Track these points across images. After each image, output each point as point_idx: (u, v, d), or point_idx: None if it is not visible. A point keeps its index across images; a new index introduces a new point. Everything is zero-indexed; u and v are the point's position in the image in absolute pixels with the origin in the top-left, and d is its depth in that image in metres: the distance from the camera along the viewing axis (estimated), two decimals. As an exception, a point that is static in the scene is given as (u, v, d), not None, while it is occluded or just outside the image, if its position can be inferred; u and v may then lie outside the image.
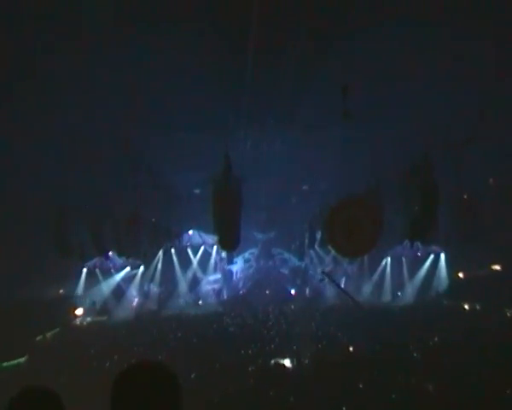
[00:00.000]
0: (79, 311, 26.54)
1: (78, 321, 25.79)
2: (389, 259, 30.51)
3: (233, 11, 8.97)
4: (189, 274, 31.25)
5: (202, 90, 12.14)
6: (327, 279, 28.72)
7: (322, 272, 29.49)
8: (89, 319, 26.32)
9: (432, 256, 29.59)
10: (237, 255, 31.75)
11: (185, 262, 30.96)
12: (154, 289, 30.32)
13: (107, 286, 28.50)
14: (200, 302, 30.30)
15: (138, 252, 20.78)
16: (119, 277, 29.12)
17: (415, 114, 13.47)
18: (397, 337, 15.10)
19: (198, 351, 15.20)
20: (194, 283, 31.27)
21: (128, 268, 29.18)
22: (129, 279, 29.72)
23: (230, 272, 32.49)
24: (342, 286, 31.16)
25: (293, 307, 26.38)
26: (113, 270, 28.79)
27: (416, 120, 13.73)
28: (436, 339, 14.74)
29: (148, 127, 14.47)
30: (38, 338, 20.06)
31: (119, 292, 28.95)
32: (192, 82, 11.69)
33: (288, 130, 16.23)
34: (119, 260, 27.23)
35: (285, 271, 32.89)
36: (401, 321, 18.92)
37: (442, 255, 29.09)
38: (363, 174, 16.12)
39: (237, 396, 10.24)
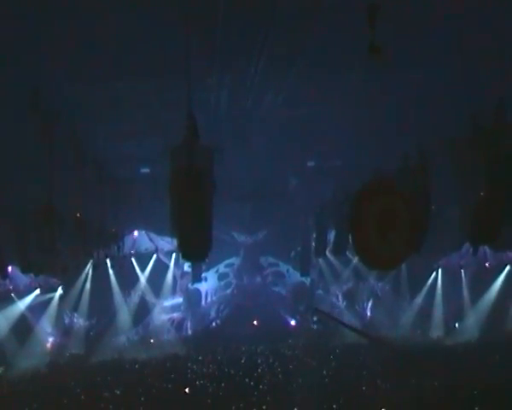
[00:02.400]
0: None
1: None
2: (440, 272, 30.88)
3: None
4: (134, 298, 31.24)
5: (150, 17, 12.15)
6: (321, 319, 29.08)
7: (315, 310, 29.70)
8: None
9: (508, 268, 30.05)
10: (208, 269, 31.85)
11: (128, 280, 30.92)
12: (80, 322, 30.22)
13: (4, 319, 28.29)
14: (151, 341, 30.34)
15: (54, 265, 20.68)
16: (22, 304, 28.88)
17: (479, 51, 13.70)
18: (451, 394, 15.36)
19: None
20: (143, 311, 31.28)
21: (37, 291, 28.96)
22: (39, 308, 29.50)
23: (197, 293, 32.54)
24: (368, 313, 31.59)
25: (293, 345, 26.57)
26: (13, 294, 28.51)
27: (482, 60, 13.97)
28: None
29: (69, 72, 14.47)
30: None
31: (24, 328, 28.72)
32: (135, 5, 11.73)
33: (283, 76, 16.29)
34: (24, 279, 27.03)
35: (281, 291, 33.11)
36: (460, 369, 19.11)
37: (525, 267, 29.75)
38: (399, 144, 16.28)
39: None
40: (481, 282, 30.20)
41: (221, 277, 32.97)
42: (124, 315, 30.64)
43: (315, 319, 31.07)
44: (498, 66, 13.68)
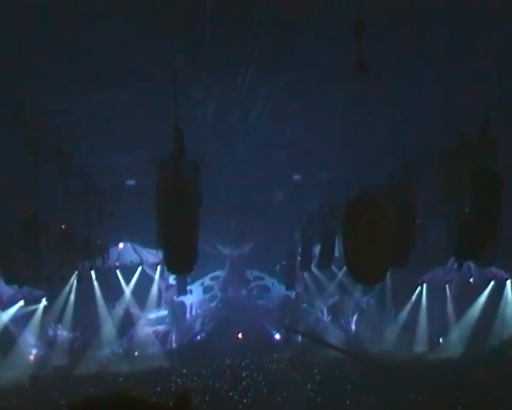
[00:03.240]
0: None
1: None
2: (425, 287, 30.83)
3: None
4: (119, 310, 31.03)
5: (137, 29, 12.16)
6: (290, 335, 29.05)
7: (285, 329, 29.60)
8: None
9: (492, 284, 29.93)
10: (193, 281, 31.72)
11: (112, 292, 30.69)
12: (64, 334, 29.98)
13: (-13, 331, 28.11)
14: (135, 353, 30.17)
15: (38, 276, 20.54)
16: (6, 316, 28.64)
17: (467, 59, 13.80)
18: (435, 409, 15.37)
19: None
20: (127, 324, 31.08)
21: (21, 302, 28.74)
22: (23, 319, 29.26)
23: (182, 306, 32.46)
24: (353, 327, 31.62)
25: (277, 359, 26.52)
26: (-4, 305, 28.37)
27: (470, 70, 14.07)
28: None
29: (54, 83, 14.44)
30: None
31: (7, 340, 28.46)
32: (121, 17, 11.74)
33: (270, 90, 16.34)
34: (7, 290, 26.85)
35: (266, 304, 33.04)
36: (444, 384, 19.13)
37: (508, 283, 29.64)
38: (385, 159, 16.37)
39: None
40: (466, 297, 30.13)
41: (206, 290, 32.87)
42: (108, 327, 30.39)
43: (277, 336, 31.11)
44: (484, 81, 13.81)
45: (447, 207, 14.20)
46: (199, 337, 31.61)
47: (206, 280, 32.64)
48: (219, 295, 32.84)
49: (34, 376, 25.61)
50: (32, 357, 29.18)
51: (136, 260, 30.96)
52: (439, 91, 15.28)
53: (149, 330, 31.31)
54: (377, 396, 16.81)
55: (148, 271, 31.31)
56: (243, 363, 25.02)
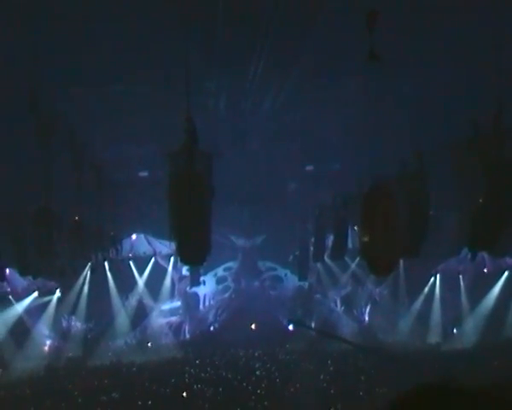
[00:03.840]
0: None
1: None
2: (438, 278, 30.91)
3: None
4: (132, 302, 31.25)
5: (149, 20, 12.15)
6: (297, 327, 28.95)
7: (290, 321, 29.44)
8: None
9: (506, 274, 30.04)
10: (206, 272, 31.85)
11: (126, 283, 30.95)
12: (78, 325, 30.23)
13: (2, 322, 28.28)
14: (149, 344, 30.34)
15: (52, 268, 20.63)
16: (20, 307, 28.92)
17: (481, 49, 13.68)
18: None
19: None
20: (140, 315, 31.28)
21: (35, 294, 29.04)
22: (37, 311, 29.56)
23: (195, 297, 32.58)
24: (366, 318, 31.59)
25: (290, 349, 26.55)
26: (11, 296, 28.57)
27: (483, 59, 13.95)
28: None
29: (67, 75, 14.46)
30: None
31: (22, 331, 28.72)
32: (134, 9, 11.73)
33: (282, 80, 16.29)
34: (22, 282, 27.04)
35: (279, 295, 33.07)
36: (457, 374, 19.08)
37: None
38: (397, 149, 16.28)
39: None
40: (479, 287, 30.17)
41: (219, 280, 32.97)
42: (121, 319, 30.60)
43: (290, 328, 30.99)
44: (498, 70, 13.68)
45: (461, 198, 14.10)
46: (212, 328, 31.77)
47: (219, 271, 32.75)
48: (232, 285, 32.95)
49: (48, 366, 25.81)
50: (46, 348, 29.47)
51: (150, 251, 31.10)
52: (452, 81, 15.17)
53: (163, 321, 31.47)
54: (390, 387, 16.76)
55: (162, 262, 31.45)
56: (256, 354, 25.14)
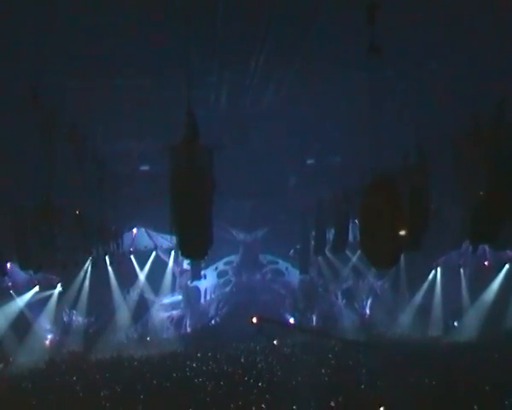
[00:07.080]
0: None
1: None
2: (439, 271, 30.89)
3: None
4: (133, 296, 31.27)
5: (150, 14, 12.16)
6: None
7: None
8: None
9: (507, 267, 29.96)
10: (207, 266, 31.88)
11: (127, 277, 30.93)
12: (79, 319, 30.23)
13: (3, 316, 28.32)
14: (150, 338, 30.38)
15: (53, 262, 20.64)
16: (21, 301, 28.93)
17: (482, 43, 13.69)
18: (450, 393, 15.33)
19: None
20: (141, 309, 31.29)
21: (37, 288, 29.04)
22: (38, 305, 29.52)
23: (196, 291, 32.57)
24: (367, 311, 31.61)
25: (292, 343, 26.58)
26: (12, 291, 28.57)
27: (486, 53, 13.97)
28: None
29: (69, 69, 14.49)
30: None
31: (23, 325, 28.70)
32: (135, 3, 11.74)
33: (283, 74, 16.28)
34: (23, 276, 27.07)
35: (280, 288, 33.15)
36: (458, 367, 19.07)
37: (524, 266, 29.76)
38: (399, 142, 16.28)
39: None
40: (480, 280, 30.16)
41: (220, 274, 32.99)
42: (123, 313, 30.64)
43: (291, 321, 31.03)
44: (500, 64, 13.70)
45: (462, 191, 14.12)
46: (213, 322, 31.78)
47: (220, 265, 32.75)
48: (233, 279, 32.96)
49: (50, 360, 25.83)
50: (47, 342, 29.48)
51: (151, 245, 31.14)
52: (453, 74, 15.17)
53: (164, 315, 31.49)
54: (392, 380, 16.79)
55: (162, 256, 31.48)
56: (257, 347, 25.11)
